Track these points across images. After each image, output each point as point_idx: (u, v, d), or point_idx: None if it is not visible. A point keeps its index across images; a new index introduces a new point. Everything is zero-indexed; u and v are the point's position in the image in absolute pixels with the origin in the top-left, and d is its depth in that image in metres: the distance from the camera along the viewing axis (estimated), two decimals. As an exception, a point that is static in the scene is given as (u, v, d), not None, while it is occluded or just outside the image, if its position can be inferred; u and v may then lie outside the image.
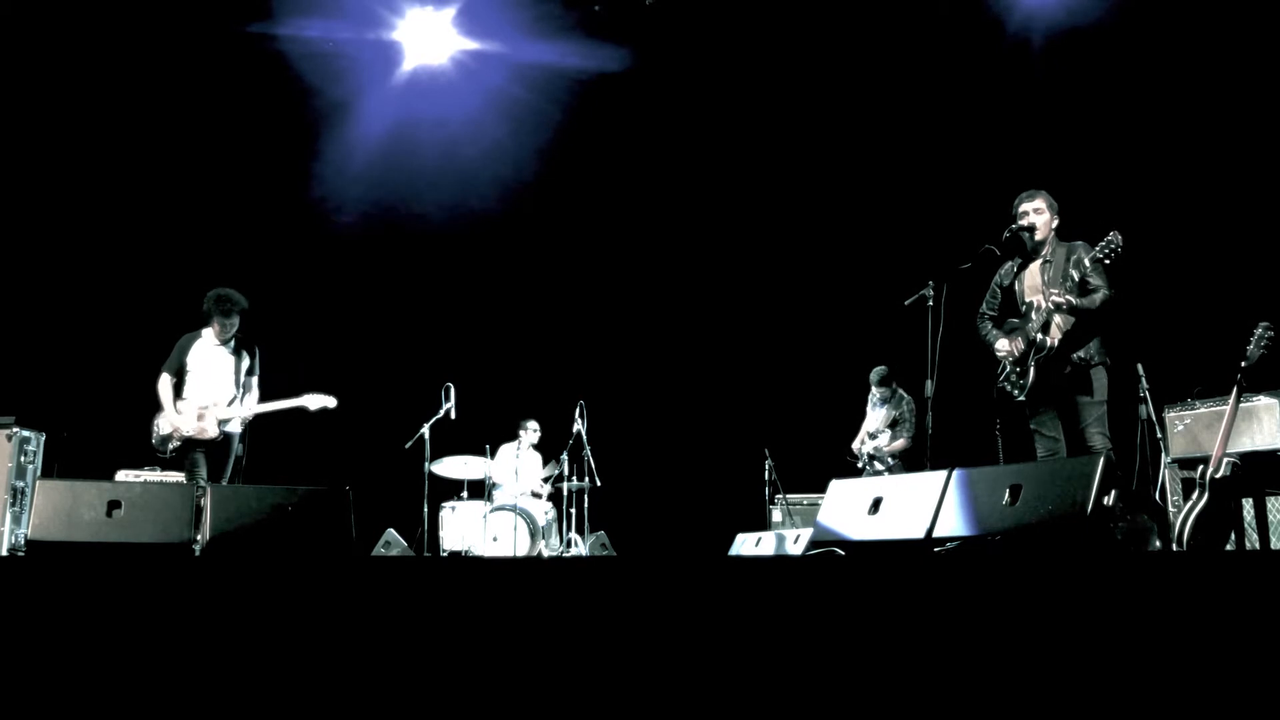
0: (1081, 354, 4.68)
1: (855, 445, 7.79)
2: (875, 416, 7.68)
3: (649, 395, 8.92)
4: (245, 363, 6.09)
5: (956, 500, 3.18)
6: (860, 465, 7.63)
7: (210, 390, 5.99)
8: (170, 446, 5.91)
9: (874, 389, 7.65)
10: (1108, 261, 4.57)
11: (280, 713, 2.25)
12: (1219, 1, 6.99)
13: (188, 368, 5.99)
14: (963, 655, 2.07)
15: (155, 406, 6.00)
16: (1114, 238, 4.54)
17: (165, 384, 5.93)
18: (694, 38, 8.50)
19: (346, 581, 2.44)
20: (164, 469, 6.64)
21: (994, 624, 2.09)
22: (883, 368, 7.63)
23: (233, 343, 6.11)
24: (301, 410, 6.15)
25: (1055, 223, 4.91)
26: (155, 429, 5.96)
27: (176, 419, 5.87)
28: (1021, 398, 4.82)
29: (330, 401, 6.20)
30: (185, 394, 5.97)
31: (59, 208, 8.49)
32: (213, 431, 5.91)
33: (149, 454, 6.36)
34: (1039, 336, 4.73)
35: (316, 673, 2.28)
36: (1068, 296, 4.59)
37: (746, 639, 2.18)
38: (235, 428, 6.02)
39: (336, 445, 8.09)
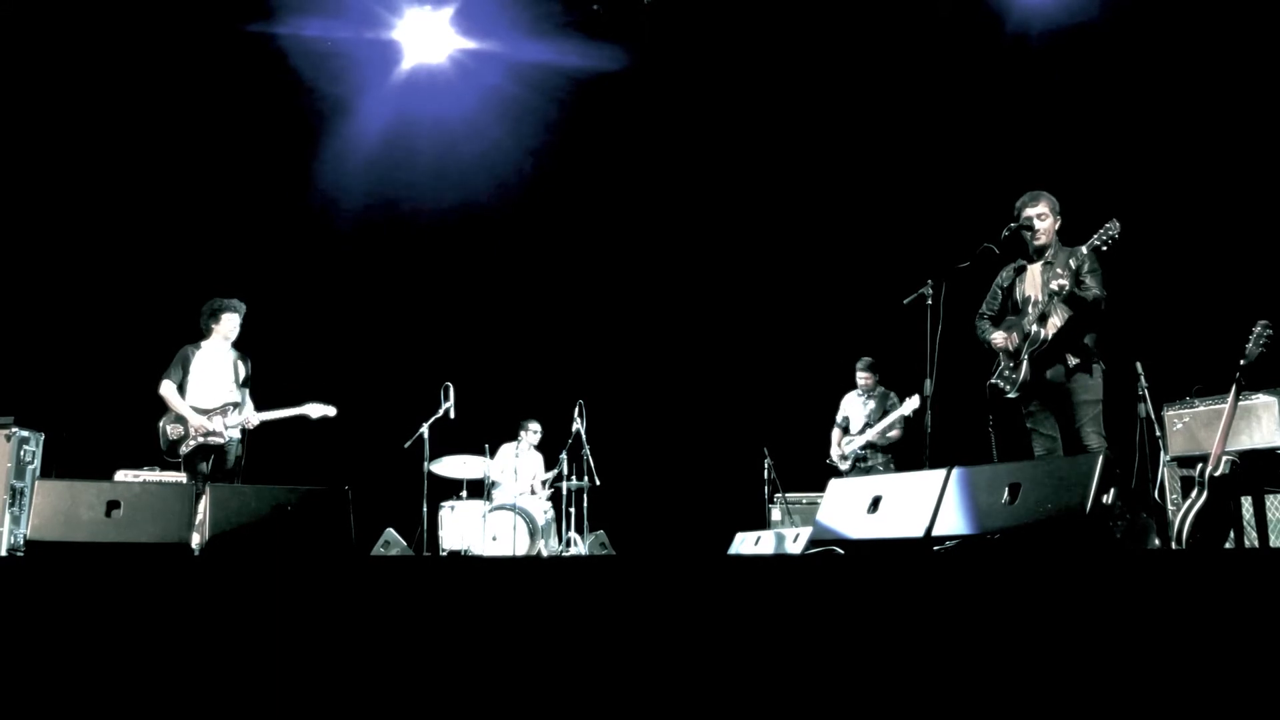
0: (1076, 352, 4.68)
1: (836, 450, 7.72)
2: (859, 411, 7.65)
3: (648, 394, 8.92)
4: (242, 372, 6.20)
5: (956, 499, 3.17)
6: (846, 468, 7.57)
7: (211, 395, 6.15)
8: (183, 450, 6.01)
9: (861, 378, 7.64)
10: (1104, 248, 4.56)
11: (280, 713, 2.25)
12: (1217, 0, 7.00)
13: (189, 375, 6.13)
14: (962, 654, 2.07)
15: (155, 409, 6.09)
16: (1112, 225, 4.54)
17: (170, 389, 6.08)
18: (693, 37, 8.50)
19: (346, 581, 2.44)
20: (163, 469, 6.69)
21: (993, 623, 2.09)
22: (868, 358, 7.66)
23: (233, 351, 6.27)
24: (303, 418, 6.32)
25: (1058, 225, 4.91)
26: (163, 434, 6.06)
27: (197, 418, 6.02)
28: (1013, 394, 4.82)
29: (330, 410, 6.39)
30: (186, 399, 6.12)
31: (58, 208, 8.49)
32: (223, 434, 6.07)
33: (148, 454, 6.43)
34: (1034, 329, 4.73)
35: (316, 672, 2.28)
36: (1064, 281, 4.59)
37: (746, 638, 2.18)
38: (235, 434, 6.13)
39: (336, 445, 8.09)
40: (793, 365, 8.65)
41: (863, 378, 7.65)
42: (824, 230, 8.71)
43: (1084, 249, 4.63)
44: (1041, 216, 4.86)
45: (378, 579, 2.46)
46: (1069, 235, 4.93)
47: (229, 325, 6.21)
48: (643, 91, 8.79)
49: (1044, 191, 4.92)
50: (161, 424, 6.06)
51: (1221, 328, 5.17)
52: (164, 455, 6.09)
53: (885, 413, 7.49)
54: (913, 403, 7.23)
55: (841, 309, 8.32)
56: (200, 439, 6.00)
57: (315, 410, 6.32)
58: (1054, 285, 4.61)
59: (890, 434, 7.42)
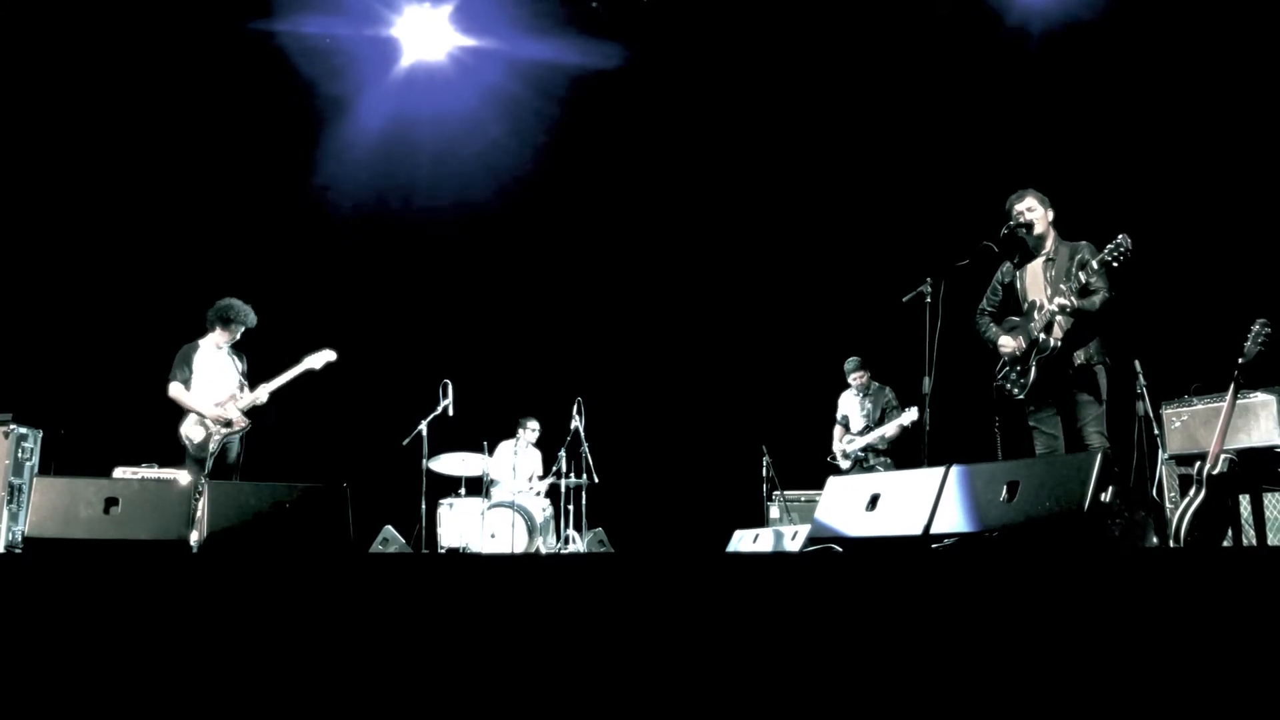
0: (1083, 355, 4.69)
1: (839, 447, 7.72)
2: (857, 410, 7.66)
3: (647, 392, 8.92)
4: (241, 365, 6.26)
5: (954, 496, 3.17)
6: (847, 467, 7.58)
7: (218, 389, 6.20)
8: (212, 446, 6.07)
9: (853, 379, 7.64)
10: (1115, 265, 4.55)
11: (279, 711, 2.25)
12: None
13: (194, 374, 6.18)
14: (960, 651, 2.07)
15: (153, 406, 6.13)
16: (1123, 241, 4.52)
17: (179, 390, 6.15)
18: (691, 34, 8.49)
19: (344, 578, 2.44)
20: (161, 466, 6.70)
21: (991, 620, 2.09)
22: (856, 357, 7.66)
23: (229, 347, 6.33)
24: (309, 373, 6.33)
25: (1051, 216, 4.91)
26: (188, 439, 6.09)
27: (214, 410, 6.06)
28: (1021, 396, 4.83)
29: (330, 355, 6.41)
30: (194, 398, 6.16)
31: (57, 205, 8.47)
32: (239, 420, 6.11)
33: (146, 451, 6.45)
34: (1041, 337, 4.73)
35: (315, 670, 2.28)
36: (1072, 299, 4.59)
37: (744, 635, 2.19)
38: (244, 423, 6.17)
39: (334, 442, 8.10)
40: (791, 363, 8.65)
41: (854, 378, 7.67)
42: (822, 228, 8.71)
43: (1094, 263, 4.61)
44: (1031, 209, 4.89)
45: (376, 576, 2.46)
46: (1071, 234, 4.93)
47: (236, 335, 6.28)
48: (642, 89, 8.78)
49: (1028, 189, 4.95)
50: (182, 430, 6.09)
51: (1220, 326, 5.17)
52: (193, 457, 6.09)
53: (883, 412, 7.50)
54: (911, 414, 7.26)
55: (840, 307, 8.32)
56: (223, 430, 6.04)
57: (318, 360, 6.34)
58: (1056, 305, 4.62)
59: (888, 435, 7.43)
